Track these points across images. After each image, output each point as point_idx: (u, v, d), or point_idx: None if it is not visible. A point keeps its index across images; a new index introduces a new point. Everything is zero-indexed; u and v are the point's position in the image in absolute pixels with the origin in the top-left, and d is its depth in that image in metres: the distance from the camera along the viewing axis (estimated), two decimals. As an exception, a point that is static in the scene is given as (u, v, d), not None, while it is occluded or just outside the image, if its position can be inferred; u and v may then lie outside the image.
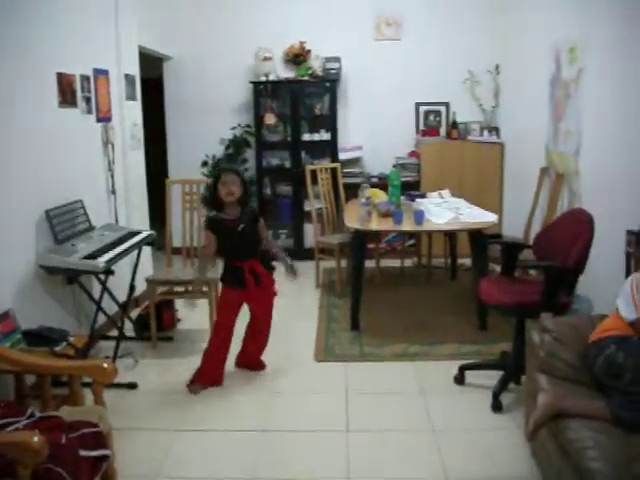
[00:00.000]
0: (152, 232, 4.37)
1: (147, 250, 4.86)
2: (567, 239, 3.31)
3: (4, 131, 3.30)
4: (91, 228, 4.06)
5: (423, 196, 5.45)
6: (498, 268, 4.54)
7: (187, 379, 3.75)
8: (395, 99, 6.67)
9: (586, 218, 3.30)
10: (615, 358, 2.47)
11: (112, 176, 4.64)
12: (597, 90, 4.17)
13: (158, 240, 4.48)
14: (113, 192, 4.67)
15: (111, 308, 4.31)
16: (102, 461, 2.33)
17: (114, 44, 4.79)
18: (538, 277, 4.17)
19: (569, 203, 4.63)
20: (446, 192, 5.50)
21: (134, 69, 5.18)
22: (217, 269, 4.20)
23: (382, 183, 6.01)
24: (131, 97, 5.09)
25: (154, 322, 4.31)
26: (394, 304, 5.13)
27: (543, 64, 5.12)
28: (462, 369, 3.68)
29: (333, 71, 6.51)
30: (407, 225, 4.51)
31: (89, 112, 4.32)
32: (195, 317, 4.69)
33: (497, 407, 3.33)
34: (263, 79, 6.46)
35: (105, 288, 3.99)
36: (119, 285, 4.28)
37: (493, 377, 3.49)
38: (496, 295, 3.43)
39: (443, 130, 6.72)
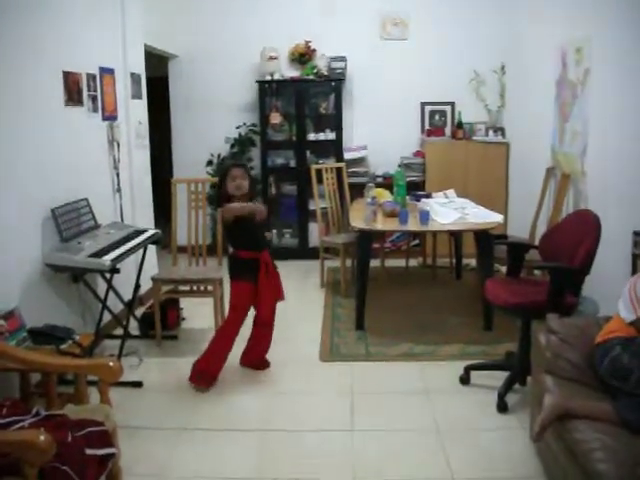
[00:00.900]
0: (157, 231, 4.37)
1: (152, 249, 4.87)
2: (573, 240, 3.30)
3: (11, 130, 3.31)
4: (97, 226, 4.06)
5: (428, 196, 5.44)
6: (503, 269, 4.54)
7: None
8: (400, 99, 6.66)
9: (593, 219, 3.29)
10: (620, 360, 2.47)
11: (117, 174, 4.65)
12: (604, 91, 4.15)
13: (163, 239, 4.48)
14: (118, 190, 4.68)
15: (116, 306, 4.31)
16: (108, 459, 2.33)
17: (120, 43, 4.80)
18: (544, 278, 4.16)
19: (575, 204, 4.62)
20: (451, 192, 5.49)
21: (140, 68, 5.18)
22: (222, 267, 4.22)
23: (387, 183, 6.02)
24: (137, 95, 5.09)
25: (159, 321, 4.32)
26: (399, 304, 5.12)
27: (549, 64, 5.10)
28: (467, 369, 3.67)
29: (338, 71, 6.50)
30: (413, 225, 4.50)
31: (95, 111, 4.32)
32: (200, 316, 4.69)
33: (502, 407, 3.32)
34: (268, 78, 6.46)
35: (110, 286, 4.00)
36: (124, 283, 4.28)
37: (498, 377, 3.49)
38: (502, 296, 3.42)
39: (448, 130, 6.71)
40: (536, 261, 3.95)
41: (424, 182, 6.44)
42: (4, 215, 3.23)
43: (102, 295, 4.03)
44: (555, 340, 2.76)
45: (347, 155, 6.58)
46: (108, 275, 3.86)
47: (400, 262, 6.22)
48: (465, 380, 3.67)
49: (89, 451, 2.20)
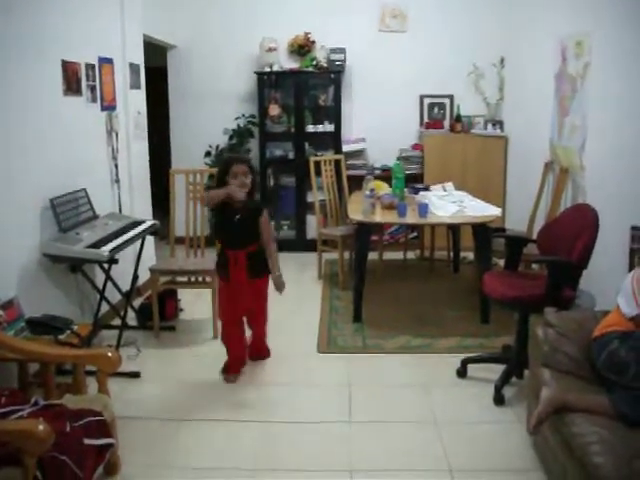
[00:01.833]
0: (156, 222, 4.37)
1: (150, 240, 4.86)
2: (571, 234, 3.31)
3: (9, 119, 3.29)
4: (95, 217, 4.05)
5: (427, 189, 5.44)
6: (501, 262, 4.55)
7: (189, 369, 3.81)
8: (399, 91, 6.65)
9: (591, 213, 3.30)
10: (618, 353, 2.48)
11: (116, 165, 4.64)
12: (604, 85, 4.15)
13: (161, 230, 4.47)
14: (117, 181, 4.67)
15: (114, 297, 4.31)
16: (106, 449, 2.34)
17: (119, 32, 4.77)
18: (541, 271, 4.17)
19: (573, 198, 4.62)
20: (450, 185, 5.49)
21: (139, 58, 5.16)
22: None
23: (385, 175, 6.01)
24: (135, 86, 5.07)
25: (157, 312, 4.32)
26: (397, 296, 5.13)
27: (549, 58, 5.09)
28: (464, 362, 3.68)
29: (338, 62, 6.47)
30: (411, 218, 4.51)
31: (94, 100, 4.30)
32: (198, 307, 4.69)
33: (499, 400, 3.33)
34: (267, 70, 6.43)
35: (108, 277, 4.00)
36: (122, 274, 4.28)
37: (495, 370, 3.50)
38: (500, 289, 3.43)
39: (447, 123, 6.70)
40: (534, 255, 3.96)
41: (422, 175, 6.43)
42: (2, 205, 3.21)
43: (100, 286, 4.03)
44: (552, 333, 2.77)
45: (346, 147, 6.57)
46: (106, 266, 3.86)
47: (398, 255, 6.22)
48: (462, 373, 3.68)
49: (87, 441, 2.21)
